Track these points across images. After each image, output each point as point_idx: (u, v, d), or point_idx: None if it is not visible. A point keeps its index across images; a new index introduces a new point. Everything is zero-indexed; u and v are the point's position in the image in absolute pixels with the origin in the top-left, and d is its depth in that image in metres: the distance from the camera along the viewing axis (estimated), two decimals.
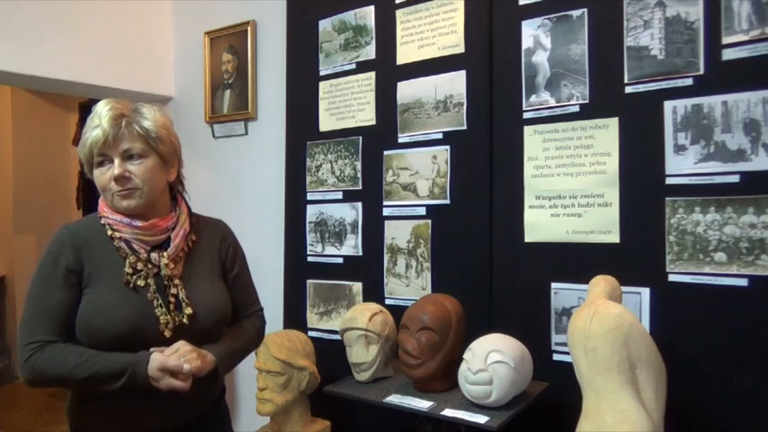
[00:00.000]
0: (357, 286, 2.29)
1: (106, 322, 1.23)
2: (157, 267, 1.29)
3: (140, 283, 1.27)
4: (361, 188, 2.30)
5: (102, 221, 1.30)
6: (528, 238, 1.90)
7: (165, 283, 1.29)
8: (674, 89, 1.67)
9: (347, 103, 2.33)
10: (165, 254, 1.30)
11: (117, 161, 1.25)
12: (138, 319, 1.25)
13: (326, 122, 2.39)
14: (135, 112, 1.29)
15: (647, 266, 1.70)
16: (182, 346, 1.25)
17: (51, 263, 1.26)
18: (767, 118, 1.55)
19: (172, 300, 1.29)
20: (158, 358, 1.21)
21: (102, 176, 1.27)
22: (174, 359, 1.21)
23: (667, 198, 1.67)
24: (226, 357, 1.35)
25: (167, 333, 1.26)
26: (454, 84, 2.06)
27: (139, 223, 1.28)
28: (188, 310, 1.29)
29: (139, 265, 1.28)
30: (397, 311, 1.92)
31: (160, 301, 1.27)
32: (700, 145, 1.63)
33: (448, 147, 2.07)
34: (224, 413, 1.52)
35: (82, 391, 1.28)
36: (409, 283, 2.16)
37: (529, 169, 1.90)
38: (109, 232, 1.29)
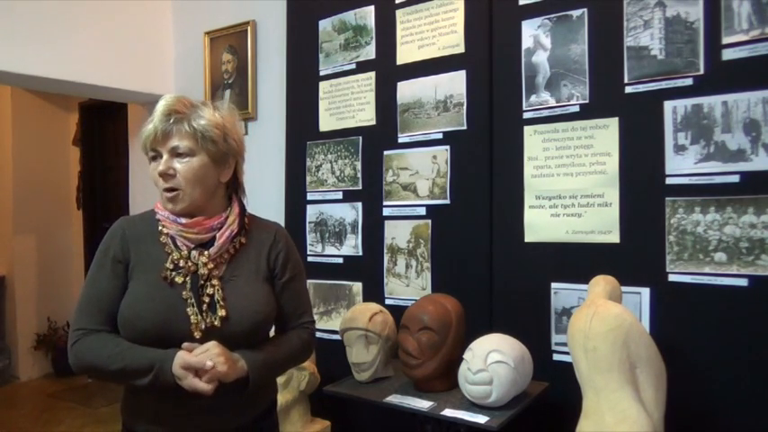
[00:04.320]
0: (357, 286, 2.29)
1: (136, 315, 1.22)
2: (196, 266, 1.26)
3: (178, 279, 1.25)
4: (361, 188, 2.29)
5: (157, 216, 1.31)
6: (528, 238, 1.90)
7: (202, 282, 1.26)
8: (674, 89, 1.67)
9: (347, 103, 2.33)
10: (206, 253, 1.27)
11: (165, 157, 1.25)
12: (168, 315, 1.22)
13: (326, 122, 2.39)
14: (192, 110, 1.27)
15: (647, 266, 1.70)
16: (212, 347, 1.20)
17: (102, 252, 1.28)
18: (767, 118, 1.55)
19: (206, 300, 1.25)
20: (182, 356, 1.18)
21: (152, 172, 1.28)
22: (199, 358, 1.17)
23: (667, 198, 1.67)
24: (261, 367, 1.27)
25: (197, 334, 1.22)
26: (454, 84, 2.06)
27: (183, 220, 1.27)
28: (221, 312, 1.25)
29: (181, 263, 1.26)
30: (397, 311, 1.92)
31: (193, 300, 1.24)
32: (700, 145, 1.63)
33: (448, 147, 2.07)
34: (273, 428, 1.43)
35: (118, 384, 1.28)
36: (409, 283, 2.16)
37: (529, 169, 1.90)
38: (159, 227, 1.30)
